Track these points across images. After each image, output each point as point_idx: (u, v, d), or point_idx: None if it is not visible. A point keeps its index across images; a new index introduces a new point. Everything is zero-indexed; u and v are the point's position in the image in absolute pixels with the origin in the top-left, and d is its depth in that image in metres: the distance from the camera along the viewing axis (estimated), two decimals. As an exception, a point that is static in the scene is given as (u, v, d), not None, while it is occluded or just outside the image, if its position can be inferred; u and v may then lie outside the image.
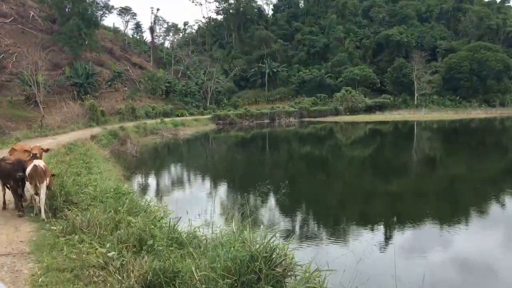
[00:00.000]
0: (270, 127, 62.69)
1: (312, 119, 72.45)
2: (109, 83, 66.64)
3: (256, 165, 29.67)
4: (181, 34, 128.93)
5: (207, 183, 23.03)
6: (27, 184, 9.90)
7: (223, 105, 79.93)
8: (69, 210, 9.19)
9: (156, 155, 33.88)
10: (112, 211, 8.54)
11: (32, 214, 10.10)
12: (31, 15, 68.25)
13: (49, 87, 53.03)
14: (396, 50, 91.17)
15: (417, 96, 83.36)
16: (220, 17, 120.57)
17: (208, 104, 77.05)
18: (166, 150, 37.86)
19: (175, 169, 25.48)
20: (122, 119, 50.72)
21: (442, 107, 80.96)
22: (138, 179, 21.79)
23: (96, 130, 38.31)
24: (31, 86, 47.20)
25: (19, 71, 51.22)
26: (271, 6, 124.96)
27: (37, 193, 9.82)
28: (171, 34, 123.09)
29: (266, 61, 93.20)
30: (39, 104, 46.65)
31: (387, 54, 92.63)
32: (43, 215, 9.65)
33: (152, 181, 22.66)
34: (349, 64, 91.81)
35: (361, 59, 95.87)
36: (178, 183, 22.56)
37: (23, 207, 10.27)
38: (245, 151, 39.03)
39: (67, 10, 65.34)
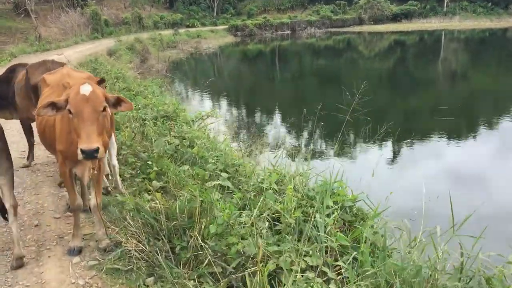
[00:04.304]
0: (292, 39, 55.51)
1: (336, 29, 65.03)
2: (107, -12, 57.70)
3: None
4: None
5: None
6: None
7: (230, 14, 71.25)
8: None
9: (191, 74, 27.27)
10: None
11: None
12: None
13: (40, -8, 44.66)
14: None
15: (447, 2, 74.96)
16: None
17: (215, 14, 68.54)
18: (198, 67, 31.18)
19: (238, 95, 19.02)
20: (128, 30, 43.38)
21: (474, 14, 72.93)
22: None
23: (104, 42, 31.70)
24: (19, -8, 39.23)
25: (3, -27, 42.86)
26: None
27: None
28: None
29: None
30: (31, 13, 38.82)
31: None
32: (120, 186, 5.69)
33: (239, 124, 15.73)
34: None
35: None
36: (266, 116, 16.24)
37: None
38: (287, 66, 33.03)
39: None
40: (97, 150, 3.40)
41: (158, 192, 5.07)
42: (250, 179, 6.08)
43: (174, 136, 7.53)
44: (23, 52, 25.68)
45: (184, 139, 7.46)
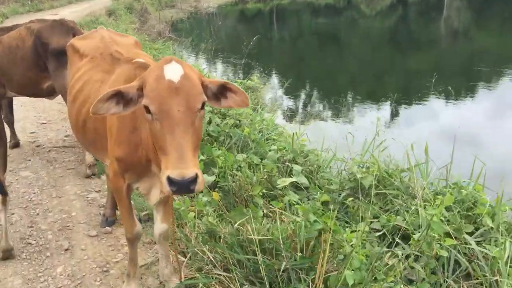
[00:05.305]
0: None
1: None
2: None
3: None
4: None
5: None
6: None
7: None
8: None
9: (196, 35, 25.54)
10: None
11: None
12: None
13: None
14: None
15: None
16: None
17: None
18: (200, 27, 29.38)
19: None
20: (122, -12, 41.10)
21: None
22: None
23: (100, 2, 30.02)
24: None
25: None
26: None
27: None
28: None
29: None
30: (18, -31, 36.43)
31: None
32: None
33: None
34: None
35: None
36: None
37: None
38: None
39: None
40: (195, 179, 1.91)
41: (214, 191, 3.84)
42: (325, 171, 4.85)
43: (212, 112, 6.23)
44: (16, 13, 23.89)
45: (226, 116, 6.16)
